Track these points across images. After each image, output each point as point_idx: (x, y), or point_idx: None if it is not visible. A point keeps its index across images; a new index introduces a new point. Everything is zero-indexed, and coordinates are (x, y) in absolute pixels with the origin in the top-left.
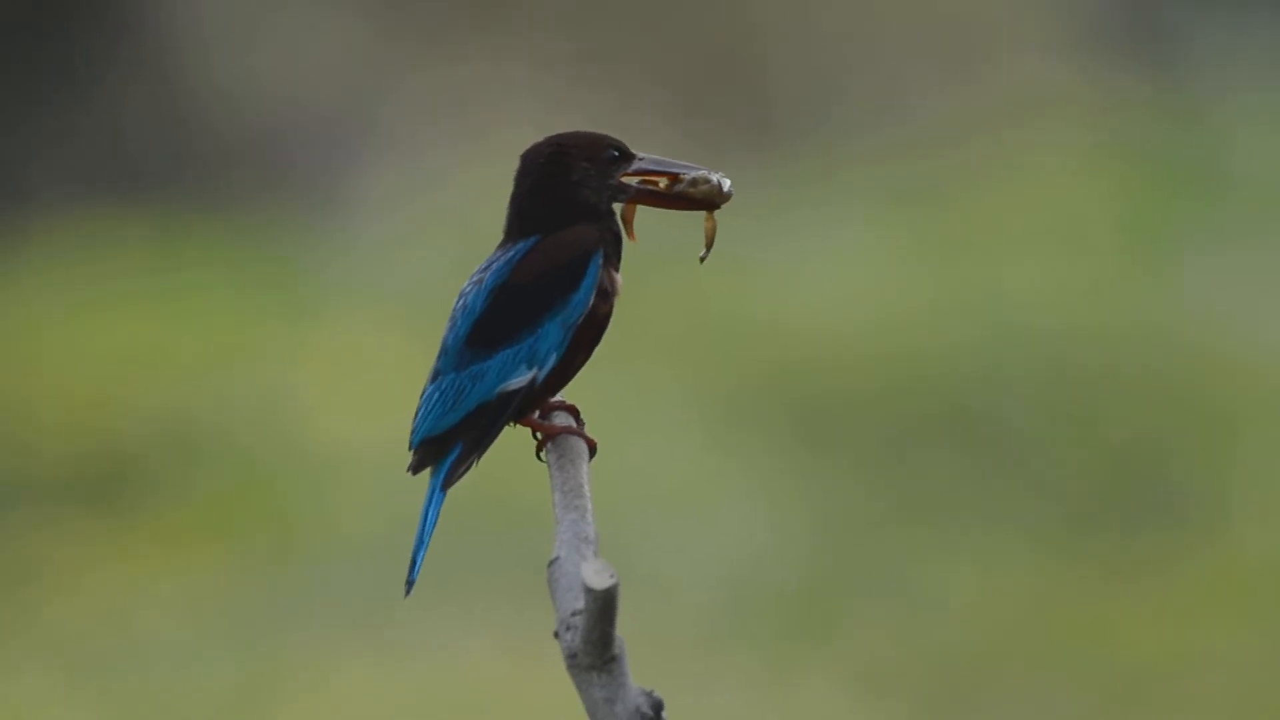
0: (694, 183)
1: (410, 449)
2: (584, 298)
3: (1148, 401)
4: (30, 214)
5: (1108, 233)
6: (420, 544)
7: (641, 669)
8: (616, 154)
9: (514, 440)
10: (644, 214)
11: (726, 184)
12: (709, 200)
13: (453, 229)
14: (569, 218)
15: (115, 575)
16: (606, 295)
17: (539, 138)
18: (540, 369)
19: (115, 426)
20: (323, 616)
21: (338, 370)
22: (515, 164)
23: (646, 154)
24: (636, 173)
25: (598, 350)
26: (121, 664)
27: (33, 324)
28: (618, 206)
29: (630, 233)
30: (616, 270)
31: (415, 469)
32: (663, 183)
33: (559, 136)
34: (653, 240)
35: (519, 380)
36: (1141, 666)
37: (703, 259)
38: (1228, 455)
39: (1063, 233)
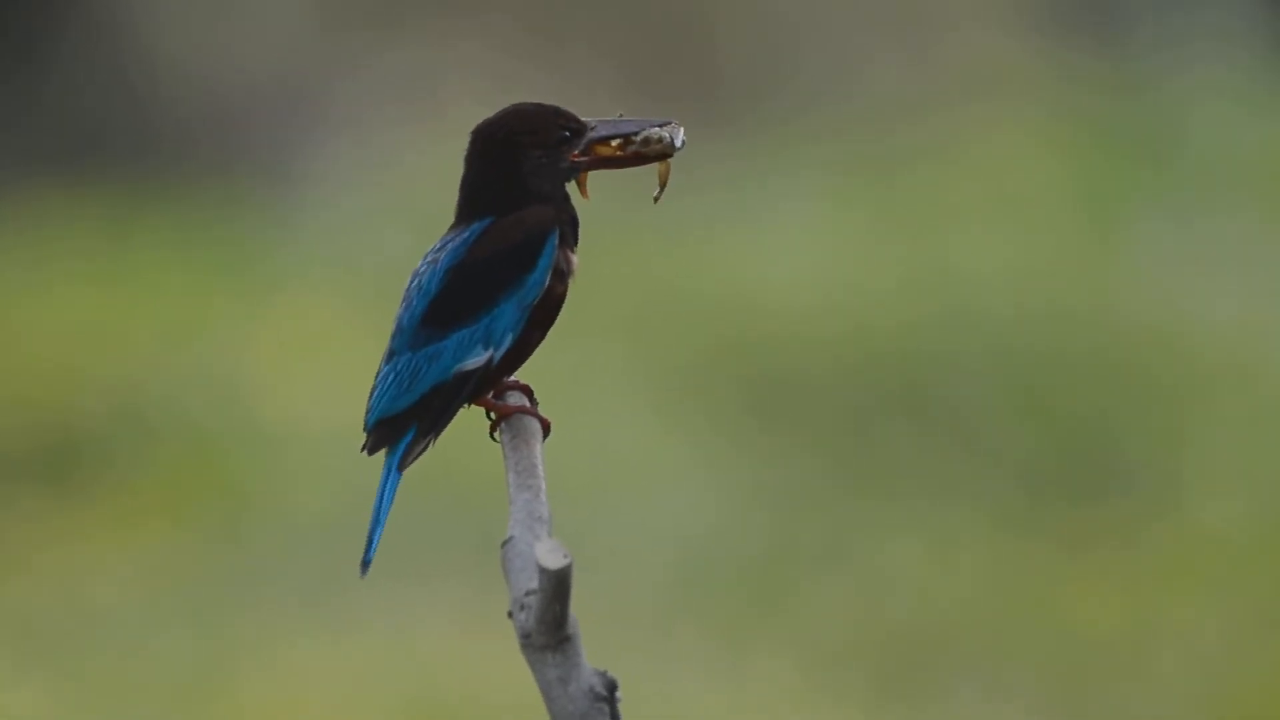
0: (646, 141)
1: (365, 430)
2: (540, 277)
3: (1100, 377)
4: None
5: (1060, 207)
6: (376, 524)
7: (597, 648)
8: (568, 134)
9: (469, 420)
10: (597, 187)
11: (679, 136)
12: (663, 154)
13: (408, 208)
14: (522, 202)
15: (69, 553)
16: (563, 275)
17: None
18: (496, 349)
19: (70, 404)
20: (278, 594)
21: (293, 348)
22: (468, 142)
23: (598, 120)
24: (591, 143)
25: (553, 327)
26: (75, 642)
27: None
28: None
29: (584, 191)
30: (573, 251)
31: (371, 450)
32: (615, 142)
33: (510, 119)
34: (606, 216)
35: (475, 361)
36: (1096, 639)
37: (656, 199)
38: (1179, 430)
39: (1016, 207)
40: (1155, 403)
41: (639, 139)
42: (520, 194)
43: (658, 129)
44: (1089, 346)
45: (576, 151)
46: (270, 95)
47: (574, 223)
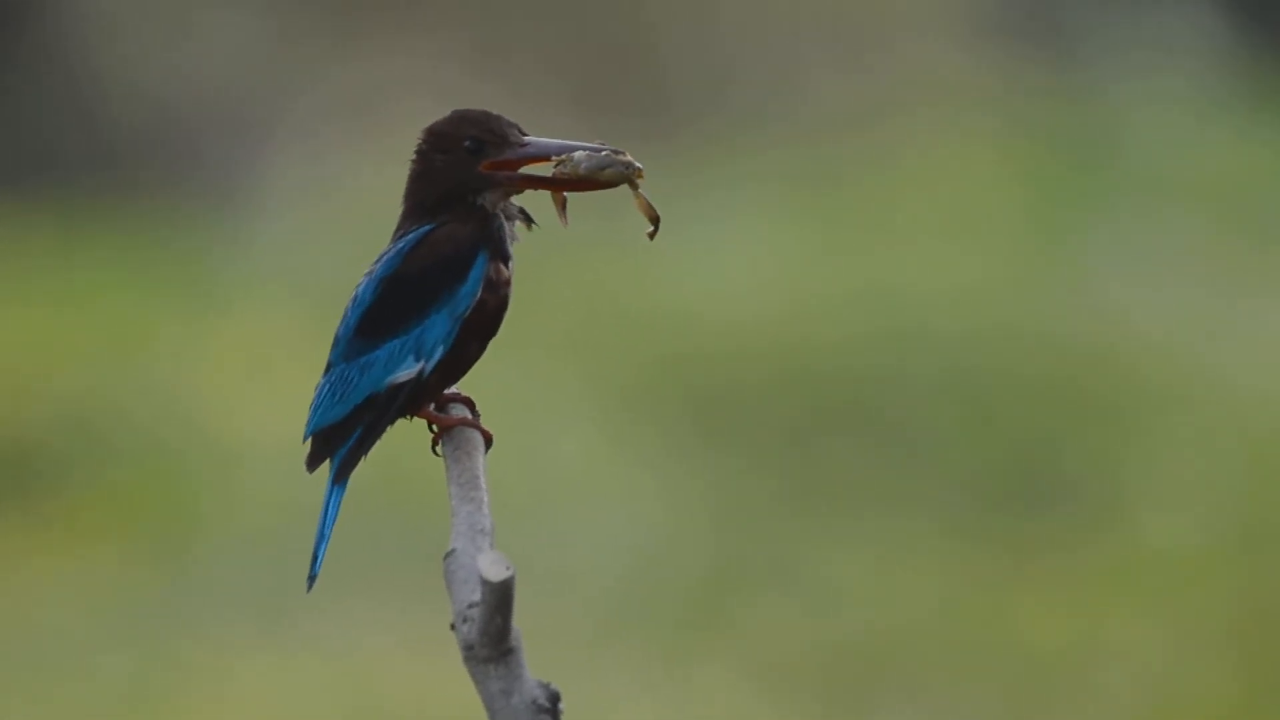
0: (563, 163)
1: (304, 441)
2: (472, 289)
3: (1046, 390)
4: None
5: (1006, 217)
6: (321, 538)
7: (539, 661)
8: (470, 144)
9: (412, 433)
10: (543, 201)
11: (591, 163)
12: (598, 181)
13: (356, 225)
14: (447, 210)
15: (16, 571)
16: (494, 287)
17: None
18: (428, 361)
19: (18, 421)
20: (226, 611)
21: (242, 363)
22: (414, 156)
23: (538, 138)
24: (520, 160)
25: (494, 341)
26: (23, 661)
27: None
28: (542, 195)
29: (562, 218)
30: (506, 263)
31: (311, 464)
32: (557, 165)
33: (437, 122)
34: (549, 228)
35: (406, 372)
36: (1043, 654)
37: (650, 235)
38: (1125, 443)
39: (961, 219)
40: (1102, 416)
41: (570, 160)
42: (430, 200)
43: (588, 150)
44: (1036, 358)
45: (491, 162)
46: (220, 112)
47: (500, 236)
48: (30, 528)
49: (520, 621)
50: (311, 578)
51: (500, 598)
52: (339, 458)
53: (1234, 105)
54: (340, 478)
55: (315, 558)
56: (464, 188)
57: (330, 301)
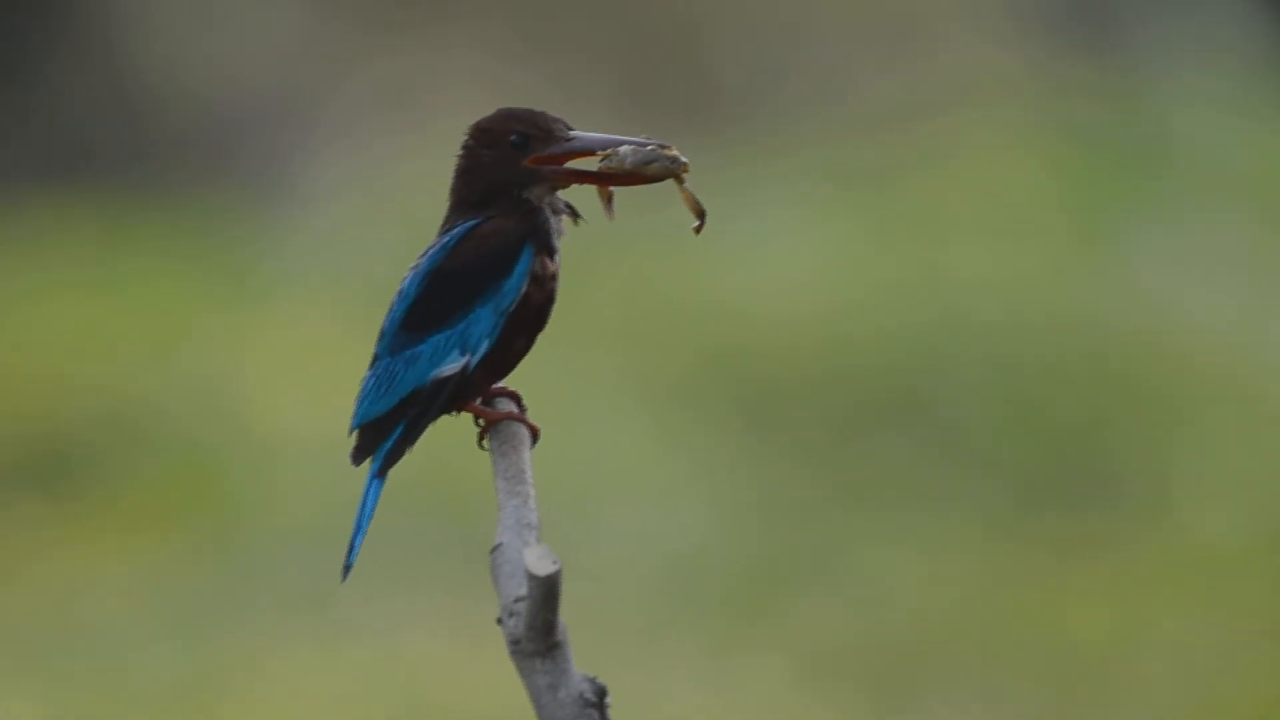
0: (608, 158)
1: (350, 434)
2: (517, 283)
3: (1090, 385)
4: None
5: (1050, 216)
6: (359, 529)
7: (586, 655)
8: (515, 139)
9: (458, 427)
10: (589, 196)
11: (634, 158)
12: (644, 176)
13: (398, 217)
14: (493, 204)
15: (58, 562)
16: (541, 281)
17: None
18: (473, 355)
19: (60, 414)
20: (267, 603)
21: (283, 357)
22: (460, 152)
23: (584, 133)
24: (565, 154)
25: (541, 335)
26: (65, 653)
27: None
28: (587, 189)
29: (608, 212)
30: (552, 257)
31: (356, 458)
32: (602, 160)
33: (483, 119)
34: (595, 222)
35: (451, 366)
36: (1088, 649)
37: (696, 230)
38: (1170, 438)
39: (1006, 216)
40: (1146, 411)
41: (614, 155)
42: (475, 194)
43: (631, 144)
44: (1080, 355)
45: (537, 157)
46: (261, 105)
47: (546, 230)
48: (70, 521)
49: (567, 615)
50: (347, 567)
51: (547, 592)
52: (383, 451)
53: (1277, 102)
54: (383, 471)
55: (351, 548)
56: (509, 182)
57: (372, 295)
